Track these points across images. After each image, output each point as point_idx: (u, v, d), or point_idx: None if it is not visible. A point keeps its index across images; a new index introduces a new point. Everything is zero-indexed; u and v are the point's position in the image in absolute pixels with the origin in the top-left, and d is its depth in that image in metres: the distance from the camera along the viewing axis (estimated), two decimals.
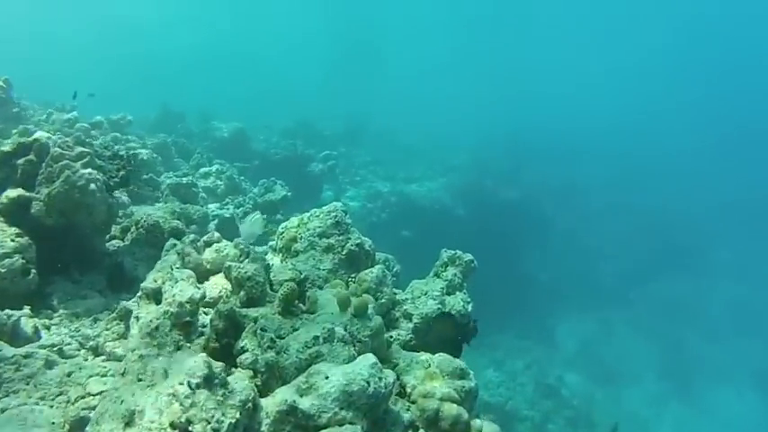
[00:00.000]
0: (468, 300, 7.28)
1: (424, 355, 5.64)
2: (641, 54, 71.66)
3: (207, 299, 5.98)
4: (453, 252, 7.58)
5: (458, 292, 7.28)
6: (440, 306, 6.98)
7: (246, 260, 6.54)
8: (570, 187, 36.09)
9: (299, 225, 7.58)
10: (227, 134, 21.87)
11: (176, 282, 5.31)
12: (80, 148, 7.06)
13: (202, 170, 14.32)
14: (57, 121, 13.52)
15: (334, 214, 7.40)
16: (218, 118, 23.96)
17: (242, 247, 6.80)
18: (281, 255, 7.63)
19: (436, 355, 5.58)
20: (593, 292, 30.06)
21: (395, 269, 11.85)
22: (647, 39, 69.97)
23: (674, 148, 51.48)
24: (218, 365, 4.24)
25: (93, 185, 6.89)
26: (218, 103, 31.10)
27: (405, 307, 7.10)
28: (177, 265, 5.90)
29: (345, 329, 5.07)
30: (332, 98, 45.59)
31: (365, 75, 60.18)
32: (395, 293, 7.39)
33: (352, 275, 7.13)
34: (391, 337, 6.91)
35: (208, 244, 6.81)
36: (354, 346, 5.01)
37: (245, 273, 5.62)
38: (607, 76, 71.58)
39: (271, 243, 8.74)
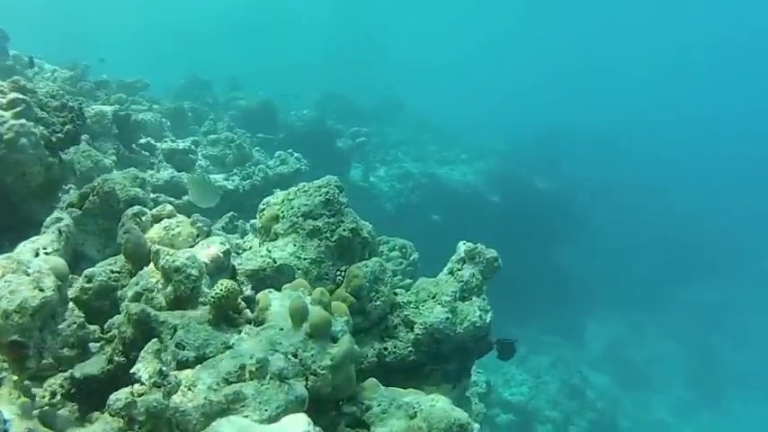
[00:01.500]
0: (488, 308, 5.59)
1: (410, 395, 3.95)
2: (693, 54, 68.29)
3: (144, 290, 4.35)
4: (473, 246, 5.88)
5: (474, 298, 5.60)
6: (449, 315, 5.31)
7: (205, 241, 4.93)
8: (608, 183, 33.86)
9: (282, 201, 5.95)
10: (252, 104, 20.29)
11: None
12: (15, 95, 5.52)
13: (211, 137, 12.74)
14: (59, 78, 12.08)
15: (324, 190, 5.75)
16: (246, 88, 22.43)
17: (200, 225, 5.18)
18: (260, 237, 6.02)
19: (429, 397, 3.87)
20: (624, 292, 28.00)
21: (412, 257, 10.22)
22: (700, 37, 66.53)
23: (718, 153, 48.62)
24: None
25: (24, 140, 5.35)
26: (249, 73, 29.54)
27: (406, 312, 5.45)
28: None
29: (294, 355, 3.43)
30: (366, 75, 43.73)
31: (400, 54, 58.06)
32: (395, 293, 5.73)
33: (342, 268, 5.49)
34: (385, 349, 5.28)
35: (156, 219, 5.20)
36: (306, 380, 3.37)
37: (173, 262, 3.99)
38: (655, 72, 68.28)
39: (254, 221, 7.10)
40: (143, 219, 5.09)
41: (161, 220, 5.16)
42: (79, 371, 3.78)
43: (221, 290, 3.61)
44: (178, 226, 5.06)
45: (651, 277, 29.98)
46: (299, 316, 3.56)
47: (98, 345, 4.16)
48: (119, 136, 9.72)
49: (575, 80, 62.59)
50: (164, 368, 3.06)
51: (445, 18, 67.24)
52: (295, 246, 5.45)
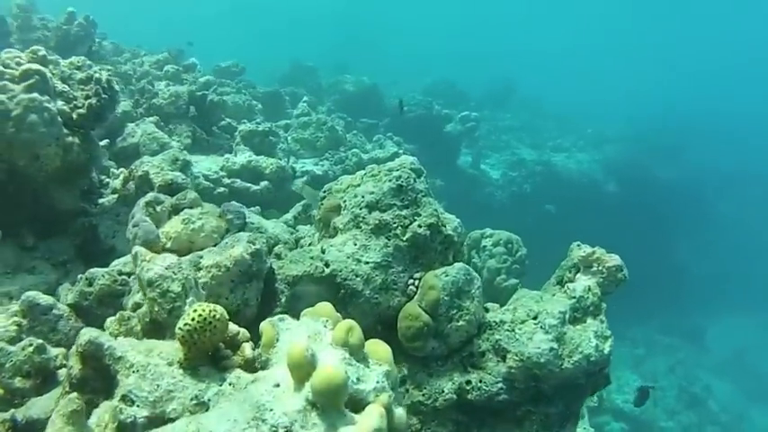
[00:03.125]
0: (607, 333, 4.08)
1: None
2: None
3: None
4: (590, 250, 4.36)
5: (590, 320, 4.10)
6: (554, 345, 3.84)
7: (230, 239, 3.72)
8: (739, 173, 30.38)
9: (347, 188, 4.66)
10: (356, 89, 19.18)
11: None
12: (28, 66, 4.50)
13: (302, 119, 11.63)
14: (145, 62, 11.35)
15: (396, 174, 4.39)
16: (352, 73, 21.37)
17: (230, 217, 3.97)
18: (318, 232, 4.76)
19: None
20: (755, 293, 24.90)
21: (518, 254, 8.68)
22: None
23: None
24: None
25: (33, 116, 4.32)
26: (356, 59, 28.38)
27: (498, 336, 4.02)
28: None
29: None
30: (478, 59, 41.73)
31: (513, 38, 55.29)
32: (486, 309, 4.32)
33: (416, 276, 4.14)
34: (468, 383, 3.90)
35: (176, 209, 4.03)
36: None
37: (146, 272, 2.78)
38: None
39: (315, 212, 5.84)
40: (158, 209, 3.93)
41: (181, 210, 3.99)
42: (23, 412, 2.65)
43: (193, 320, 2.36)
44: (200, 218, 3.86)
45: None
46: (300, 371, 2.23)
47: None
48: (197, 118, 8.77)
49: (703, 62, 57.30)
50: None
51: None
52: (356, 245, 4.13)
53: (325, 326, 2.60)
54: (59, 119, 4.54)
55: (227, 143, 8.86)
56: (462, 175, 20.12)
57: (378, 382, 2.39)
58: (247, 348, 2.57)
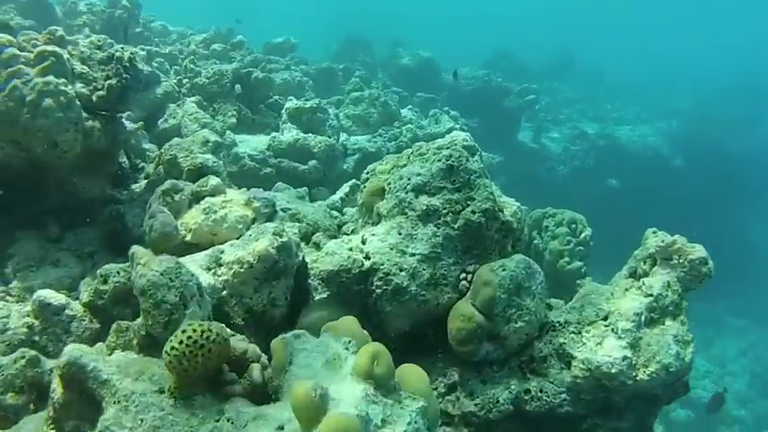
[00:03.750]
0: (689, 338, 3.49)
1: None
2: None
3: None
4: (669, 239, 3.74)
5: (669, 321, 3.50)
6: (628, 353, 3.27)
7: (255, 230, 3.27)
8: None
9: (391, 168, 4.15)
10: (412, 63, 18.50)
11: None
12: (43, 48, 4.11)
13: (354, 95, 11.09)
14: (192, 42, 10.99)
15: (446, 153, 3.85)
16: (407, 47, 20.68)
17: (257, 205, 3.52)
18: (361, 218, 4.28)
19: None
20: None
21: (583, 235, 8.06)
22: None
23: None
24: None
25: (48, 101, 3.94)
26: (411, 32, 27.49)
27: (562, 339, 3.48)
28: None
29: None
30: (536, 30, 40.17)
31: (573, 5, 52.98)
32: (549, 306, 3.78)
33: (468, 269, 3.62)
34: (527, 392, 3.38)
35: (197, 197, 3.59)
36: None
37: (139, 278, 2.33)
38: None
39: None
40: (177, 197, 3.51)
41: (202, 198, 3.55)
42: None
43: (181, 343, 1.91)
44: (224, 207, 3.43)
45: None
46: (307, 415, 1.74)
47: None
48: (243, 97, 8.35)
49: None
50: None
51: None
52: (400, 234, 3.63)
53: (347, 347, 2.13)
54: (78, 102, 4.15)
55: (274, 121, 8.42)
56: (522, 150, 19.35)
57: (410, 424, 1.90)
58: (255, 371, 2.12)
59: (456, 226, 3.63)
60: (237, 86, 8.36)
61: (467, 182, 3.77)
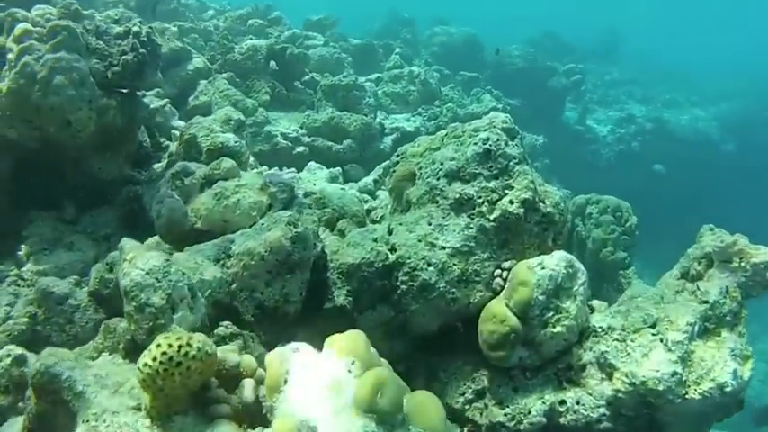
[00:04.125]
0: (747, 352, 3.09)
1: None
2: None
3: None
4: (729, 239, 3.30)
5: (726, 333, 3.10)
6: (677, 368, 2.89)
7: (268, 219, 2.97)
8: None
9: (424, 151, 3.81)
10: (455, 40, 17.96)
11: None
12: (56, 22, 3.83)
13: (393, 72, 10.69)
14: (228, 18, 10.69)
15: (483, 136, 3.49)
16: (450, 24, 20.10)
17: (274, 190, 3.22)
18: (391, 203, 3.95)
19: None
20: None
21: (628, 223, 7.64)
22: None
23: None
24: None
25: (60, 78, 3.68)
26: (455, 10, 26.75)
27: (603, 347, 3.10)
28: None
29: None
30: (586, 7, 38.87)
31: None
32: (590, 308, 3.41)
33: (504, 265, 3.27)
34: (562, 403, 3.04)
35: (209, 181, 3.30)
36: None
37: (124, 276, 2.05)
38: None
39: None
40: (187, 181, 3.23)
41: (215, 182, 3.26)
42: None
43: (154, 360, 1.62)
44: (236, 192, 3.14)
45: None
46: None
47: None
48: (278, 73, 8.04)
49: None
50: None
51: None
52: (430, 225, 3.30)
53: (349, 370, 1.81)
54: (91, 79, 3.90)
55: (309, 99, 8.12)
56: (566, 132, 18.73)
57: None
58: (247, 388, 1.83)
59: (492, 217, 3.28)
60: (272, 63, 8.07)
61: (505, 168, 3.41)
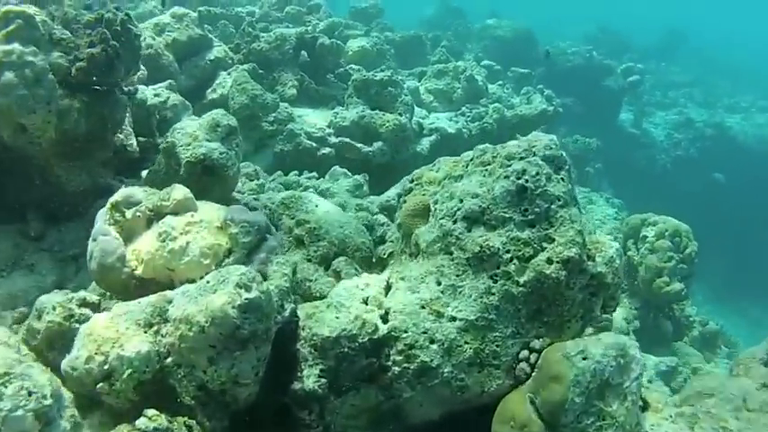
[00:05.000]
0: None
1: None
2: None
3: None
4: None
5: None
6: None
7: (215, 276, 2.17)
8: None
9: (444, 178, 2.96)
10: (508, 34, 16.87)
11: None
12: (11, 7, 3.07)
13: (437, 67, 9.76)
14: (265, 4, 9.85)
15: (520, 167, 2.60)
16: (504, 16, 18.99)
17: (235, 231, 2.42)
18: (399, 243, 3.11)
19: None
20: None
21: (688, 251, 6.68)
22: None
23: None
24: None
25: (9, 75, 2.94)
26: (509, 2, 25.39)
27: None
28: None
29: None
30: (647, 3, 36.80)
31: None
32: (644, 403, 2.52)
33: (534, 345, 2.41)
34: None
35: (157, 214, 2.50)
36: None
37: None
38: None
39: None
40: (129, 214, 2.46)
41: (163, 216, 2.48)
42: None
43: None
44: (186, 232, 2.36)
45: None
46: None
47: None
48: (308, 65, 7.22)
49: None
50: None
51: None
52: (439, 284, 2.46)
53: None
54: (51, 76, 3.16)
55: (341, 94, 7.29)
56: (621, 135, 17.60)
57: None
58: None
59: (522, 280, 2.42)
60: (303, 53, 7.26)
61: (544, 213, 2.54)
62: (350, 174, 5.82)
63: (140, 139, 4.45)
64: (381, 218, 4.28)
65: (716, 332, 8.02)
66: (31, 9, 3.20)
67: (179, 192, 2.56)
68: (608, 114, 17.21)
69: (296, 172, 5.83)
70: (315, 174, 5.83)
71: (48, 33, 3.27)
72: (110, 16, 3.37)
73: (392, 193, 5.21)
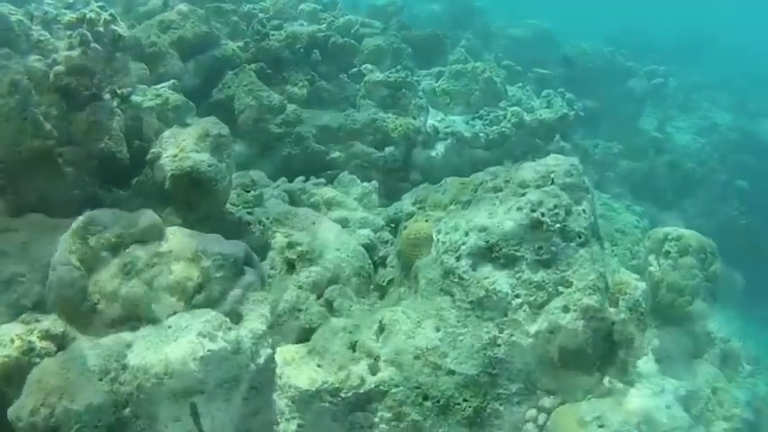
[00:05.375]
0: None
1: None
2: None
3: None
4: None
5: None
6: None
7: (177, 321, 1.88)
8: None
9: (450, 203, 2.66)
10: (528, 34, 16.46)
11: None
12: None
13: (455, 67, 9.37)
14: (279, 2, 9.53)
15: (536, 198, 2.27)
16: (524, 17, 18.56)
17: (208, 264, 2.14)
18: (397, 272, 2.79)
19: None
20: None
21: (711, 268, 6.20)
22: None
23: None
24: None
25: None
26: (530, 1, 24.88)
27: None
28: None
29: None
30: (668, 2, 35.94)
31: None
32: None
33: (543, 404, 2.08)
34: None
35: (122, 242, 2.20)
36: None
37: None
38: None
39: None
40: (93, 241, 2.17)
41: (128, 245, 2.19)
42: None
43: None
44: (152, 265, 2.06)
45: None
46: None
47: None
48: (320, 64, 6.90)
49: None
50: None
51: None
52: (438, 330, 2.15)
53: None
54: (26, 81, 2.86)
55: (354, 95, 6.97)
56: (644, 139, 17.14)
57: None
58: None
59: (532, 330, 2.10)
60: (315, 52, 6.94)
61: (562, 252, 2.21)
62: (358, 180, 5.54)
63: (136, 142, 4.18)
64: (385, 235, 3.95)
65: (738, 350, 7.64)
66: (5, 7, 2.91)
67: (147, 218, 2.26)
68: (629, 117, 16.76)
69: (302, 178, 5.53)
70: (322, 180, 5.53)
71: (24, 34, 2.99)
72: (92, 16, 3.07)
73: (402, 204, 4.90)
